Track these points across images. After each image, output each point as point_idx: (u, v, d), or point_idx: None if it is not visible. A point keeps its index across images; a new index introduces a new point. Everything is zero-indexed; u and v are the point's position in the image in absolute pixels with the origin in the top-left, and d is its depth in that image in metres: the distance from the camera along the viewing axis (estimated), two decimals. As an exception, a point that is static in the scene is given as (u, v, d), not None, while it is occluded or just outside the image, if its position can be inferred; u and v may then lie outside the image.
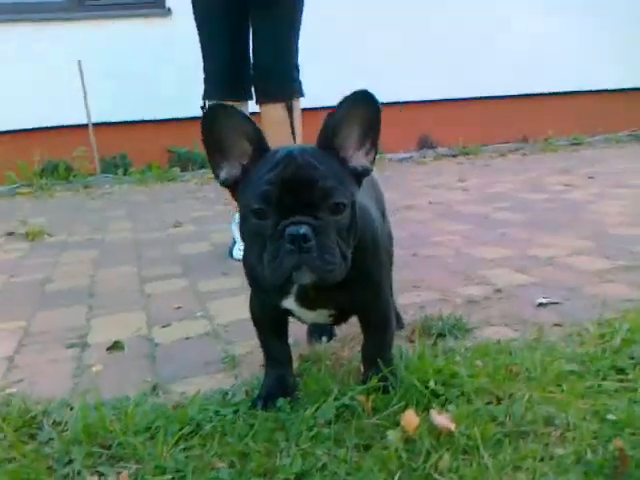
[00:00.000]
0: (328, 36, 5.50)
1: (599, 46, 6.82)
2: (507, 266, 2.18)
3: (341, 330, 1.55)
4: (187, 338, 1.69)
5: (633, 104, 7.07)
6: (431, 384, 1.19)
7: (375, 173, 1.23)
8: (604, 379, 1.22)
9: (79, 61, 5.45)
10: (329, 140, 1.08)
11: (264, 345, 1.30)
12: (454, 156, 6.41)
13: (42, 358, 1.61)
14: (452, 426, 1.05)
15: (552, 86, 6.80)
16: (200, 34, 2.62)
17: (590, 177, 4.28)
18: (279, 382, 1.25)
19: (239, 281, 2.19)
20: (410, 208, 3.52)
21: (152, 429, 1.13)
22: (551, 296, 1.79)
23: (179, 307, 1.95)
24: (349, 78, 5.59)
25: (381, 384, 1.20)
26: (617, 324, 1.47)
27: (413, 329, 1.58)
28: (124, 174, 5.72)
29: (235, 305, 1.92)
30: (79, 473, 1.03)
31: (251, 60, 2.62)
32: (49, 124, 5.58)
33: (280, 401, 1.19)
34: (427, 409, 1.12)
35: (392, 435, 1.04)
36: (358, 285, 1.15)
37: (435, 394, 1.18)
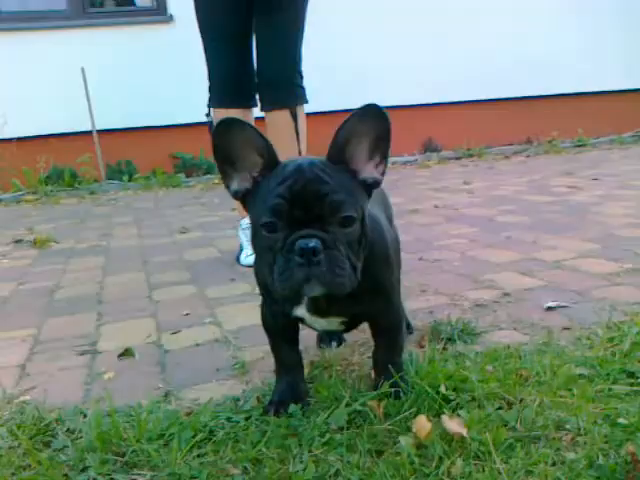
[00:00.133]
0: (329, 39, 5.52)
1: (603, 47, 6.83)
2: (514, 269, 2.19)
3: (350, 336, 1.55)
4: (197, 344, 1.70)
5: (637, 105, 7.06)
6: (442, 389, 1.19)
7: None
8: (614, 383, 1.22)
9: (82, 68, 5.48)
10: (339, 153, 1.09)
11: (275, 352, 1.31)
12: (458, 159, 6.42)
13: (53, 366, 1.62)
14: (464, 431, 1.05)
15: (556, 88, 6.80)
16: (204, 41, 2.63)
17: (595, 179, 4.27)
18: (291, 388, 1.26)
19: (247, 287, 2.20)
20: (415, 212, 3.52)
21: (165, 436, 1.14)
22: (559, 299, 1.79)
23: (188, 313, 1.96)
24: (351, 82, 5.70)
25: (392, 390, 1.21)
26: (626, 327, 1.47)
27: (423, 334, 1.59)
28: (129, 180, 5.76)
29: (243, 311, 1.93)
30: (94, 480, 1.04)
31: (254, 67, 2.63)
32: (54, 131, 5.60)
33: (292, 407, 1.20)
34: (438, 414, 1.13)
35: (404, 441, 1.05)
36: (369, 294, 1.15)
37: (446, 399, 1.18)
